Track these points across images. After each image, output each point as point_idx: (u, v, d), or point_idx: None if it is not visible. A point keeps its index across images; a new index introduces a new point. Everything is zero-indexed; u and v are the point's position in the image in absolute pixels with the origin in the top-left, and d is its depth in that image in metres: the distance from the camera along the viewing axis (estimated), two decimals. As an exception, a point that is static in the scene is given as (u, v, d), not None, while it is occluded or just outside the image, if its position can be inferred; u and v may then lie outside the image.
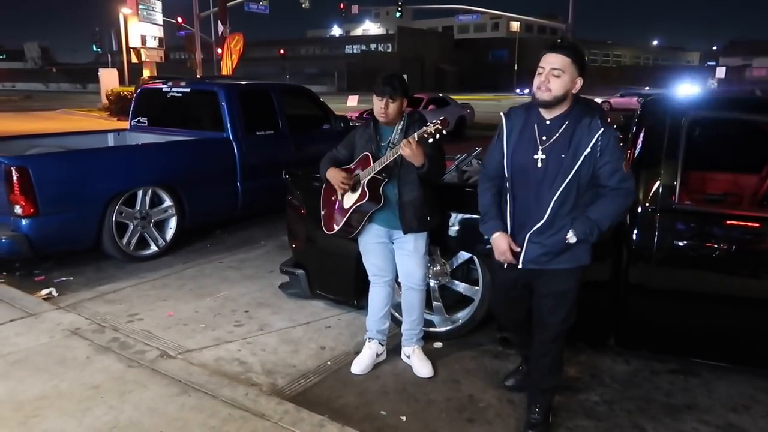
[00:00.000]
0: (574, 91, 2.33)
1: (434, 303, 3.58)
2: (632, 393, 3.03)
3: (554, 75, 2.27)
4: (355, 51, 70.83)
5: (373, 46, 72.39)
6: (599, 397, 2.98)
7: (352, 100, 17.77)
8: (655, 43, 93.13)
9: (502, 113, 2.55)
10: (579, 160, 2.29)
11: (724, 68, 37.07)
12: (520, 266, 2.44)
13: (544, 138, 2.36)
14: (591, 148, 2.28)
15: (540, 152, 2.35)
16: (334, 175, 3.07)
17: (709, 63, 44.96)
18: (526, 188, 2.41)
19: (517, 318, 2.72)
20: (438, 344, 3.50)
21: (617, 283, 3.07)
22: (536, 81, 2.31)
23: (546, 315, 2.54)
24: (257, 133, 5.99)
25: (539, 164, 2.35)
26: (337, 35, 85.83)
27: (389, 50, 67.82)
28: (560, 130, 2.33)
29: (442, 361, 3.31)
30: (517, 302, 2.65)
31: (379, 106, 2.97)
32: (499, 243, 2.47)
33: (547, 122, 2.36)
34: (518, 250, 2.45)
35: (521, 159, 2.40)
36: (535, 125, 2.38)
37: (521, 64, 53.73)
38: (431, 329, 3.54)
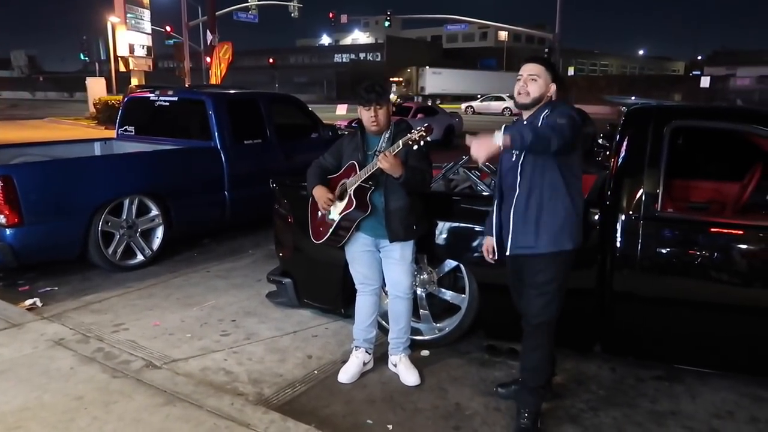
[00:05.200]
0: (549, 94, 2.60)
1: (421, 311, 3.58)
2: (618, 399, 3.05)
3: (531, 79, 2.58)
4: (344, 60, 70.97)
5: (362, 55, 72.56)
6: (585, 404, 3.00)
7: (341, 109, 17.83)
8: (641, 52, 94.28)
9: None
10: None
11: (708, 78, 37.55)
12: (507, 252, 2.68)
13: None
14: (541, 120, 2.52)
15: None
16: (319, 195, 3.08)
17: (693, 72, 45.59)
18: (506, 181, 2.68)
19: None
20: (425, 352, 3.50)
21: (602, 290, 3.10)
22: (516, 87, 2.63)
23: (526, 305, 2.70)
24: (245, 142, 5.99)
25: (513, 158, 2.62)
26: (327, 44, 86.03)
27: (378, 59, 68.03)
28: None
29: (429, 369, 3.31)
30: (517, 293, 2.84)
31: (368, 116, 2.98)
32: (485, 244, 2.97)
33: (524, 122, 2.61)
34: (492, 256, 2.88)
35: (505, 159, 2.69)
36: None
37: (510, 72, 54.14)
38: (418, 337, 3.54)
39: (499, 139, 2.33)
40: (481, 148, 2.35)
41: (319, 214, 3.19)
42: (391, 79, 46.59)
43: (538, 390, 2.73)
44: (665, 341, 3.12)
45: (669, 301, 3.03)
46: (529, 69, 2.60)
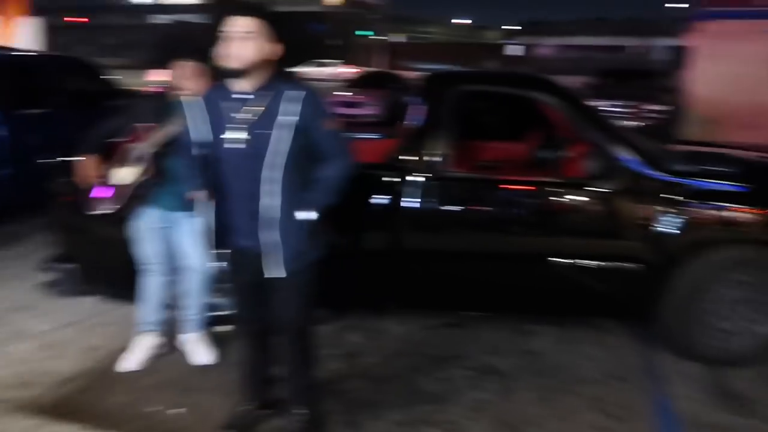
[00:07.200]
0: (273, 60, 2.06)
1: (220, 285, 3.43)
2: (406, 350, 3.22)
3: (245, 37, 1.97)
4: (164, 21, 65.62)
5: (187, 17, 67.66)
6: (374, 359, 3.13)
7: (154, 75, 16.41)
8: (467, 22, 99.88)
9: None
10: (289, 132, 2.03)
11: (521, 47, 41.05)
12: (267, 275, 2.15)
13: (233, 115, 2.05)
14: (300, 115, 2.04)
15: (232, 131, 2.05)
16: (84, 165, 2.80)
17: (505, 41, 49.46)
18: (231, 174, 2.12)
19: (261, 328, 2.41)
20: (223, 328, 3.35)
21: (395, 249, 3.21)
22: (222, 48, 2.00)
23: (282, 312, 2.28)
24: (19, 111, 5.21)
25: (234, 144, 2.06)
26: (144, 2, 78.62)
27: (207, 21, 63.97)
28: (265, 104, 2.04)
29: (230, 344, 3.17)
30: (252, 299, 2.35)
31: (181, 74, 2.78)
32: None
33: (241, 96, 2.05)
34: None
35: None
36: (224, 102, 2.08)
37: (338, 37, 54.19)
38: (219, 313, 3.39)
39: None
40: None
41: (96, 184, 2.88)
42: None
43: (313, 385, 2.47)
44: (452, 292, 3.33)
45: (455, 255, 3.23)
46: (241, 24, 1.98)
